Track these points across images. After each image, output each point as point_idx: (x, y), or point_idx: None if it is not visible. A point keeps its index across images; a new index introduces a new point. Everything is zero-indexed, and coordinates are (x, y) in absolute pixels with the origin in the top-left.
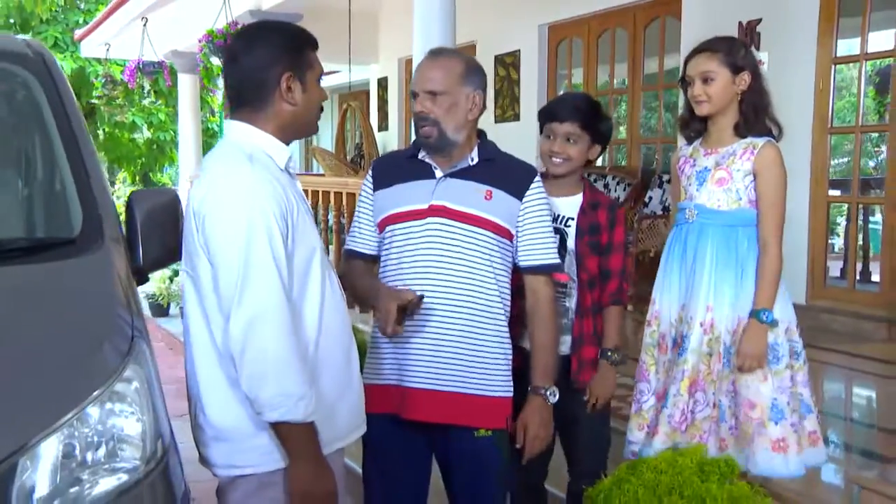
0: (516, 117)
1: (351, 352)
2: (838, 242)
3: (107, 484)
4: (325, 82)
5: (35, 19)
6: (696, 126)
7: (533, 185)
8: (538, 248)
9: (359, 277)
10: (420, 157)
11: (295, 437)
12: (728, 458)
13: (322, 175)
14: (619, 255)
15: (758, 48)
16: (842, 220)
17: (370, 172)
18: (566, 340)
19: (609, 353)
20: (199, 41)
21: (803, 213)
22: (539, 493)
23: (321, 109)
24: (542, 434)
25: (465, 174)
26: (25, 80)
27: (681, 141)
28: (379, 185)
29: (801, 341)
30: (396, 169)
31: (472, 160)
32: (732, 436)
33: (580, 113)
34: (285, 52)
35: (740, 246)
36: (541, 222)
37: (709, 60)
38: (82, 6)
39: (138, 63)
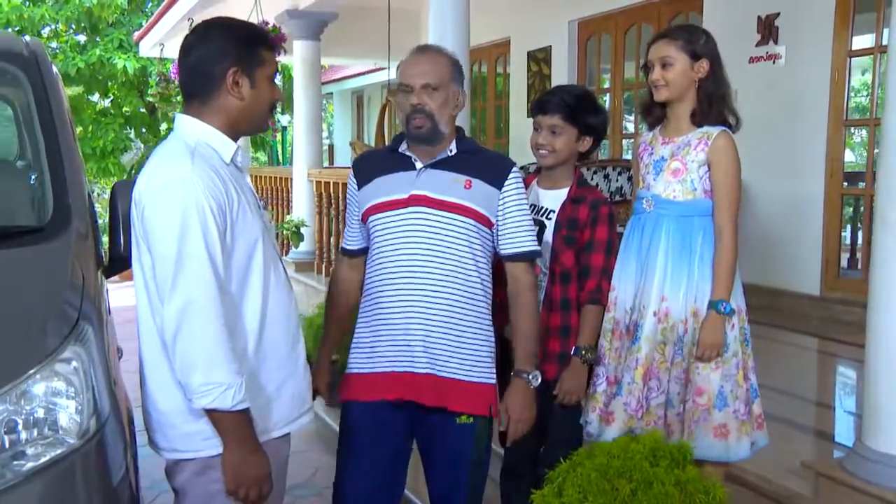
0: None
1: (297, 340)
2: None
3: (43, 455)
4: (374, 78)
5: (102, 23)
6: (657, 112)
7: (511, 175)
8: (518, 236)
9: (329, 308)
10: (401, 150)
11: (226, 423)
12: (682, 444)
13: None
14: (600, 253)
15: (776, 42)
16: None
17: (352, 173)
18: None
19: (582, 351)
20: None
21: (818, 205)
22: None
23: (273, 107)
24: (525, 417)
25: (445, 165)
26: (16, 76)
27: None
28: (362, 182)
29: (749, 328)
30: (376, 165)
31: (451, 151)
32: (678, 421)
33: (565, 106)
34: (234, 47)
35: (695, 237)
36: (520, 211)
37: (668, 46)
38: (149, 7)
39: None
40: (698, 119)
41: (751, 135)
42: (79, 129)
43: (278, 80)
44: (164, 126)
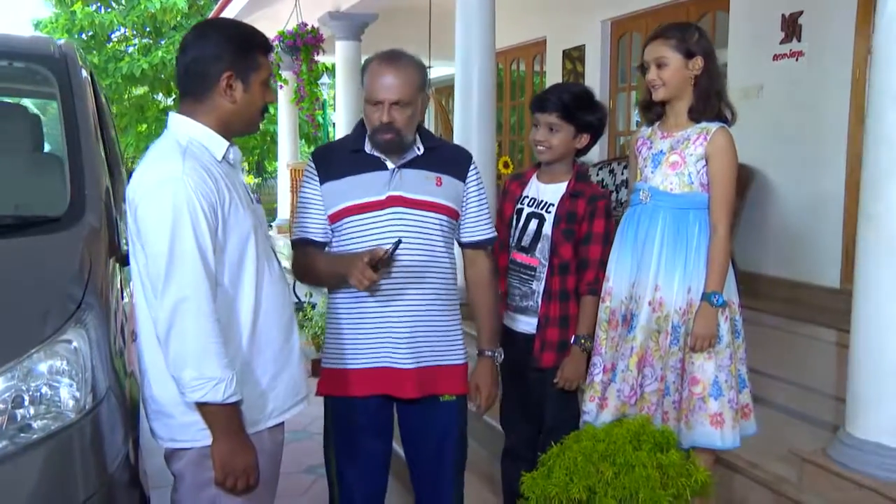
0: None
1: (291, 330)
2: None
3: (44, 428)
4: None
5: (165, 26)
6: (656, 110)
7: (471, 168)
8: (481, 225)
9: (319, 261)
10: (368, 151)
11: (216, 416)
12: (665, 429)
13: None
14: (597, 245)
15: (799, 39)
16: None
17: (311, 165)
18: (532, 322)
19: (582, 340)
20: (272, 41)
21: (839, 200)
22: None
23: (265, 110)
24: (494, 392)
25: (416, 164)
26: (46, 77)
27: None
28: (326, 177)
29: (741, 319)
30: (342, 162)
31: (419, 150)
32: (675, 409)
33: (562, 104)
34: (230, 50)
35: (691, 229)
36: (480, 200)
37: (662, 46)
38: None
39: None
40: (695, 115)
41: (773, 130)
42: (143, 127)
43: (326, 79)
44: None
